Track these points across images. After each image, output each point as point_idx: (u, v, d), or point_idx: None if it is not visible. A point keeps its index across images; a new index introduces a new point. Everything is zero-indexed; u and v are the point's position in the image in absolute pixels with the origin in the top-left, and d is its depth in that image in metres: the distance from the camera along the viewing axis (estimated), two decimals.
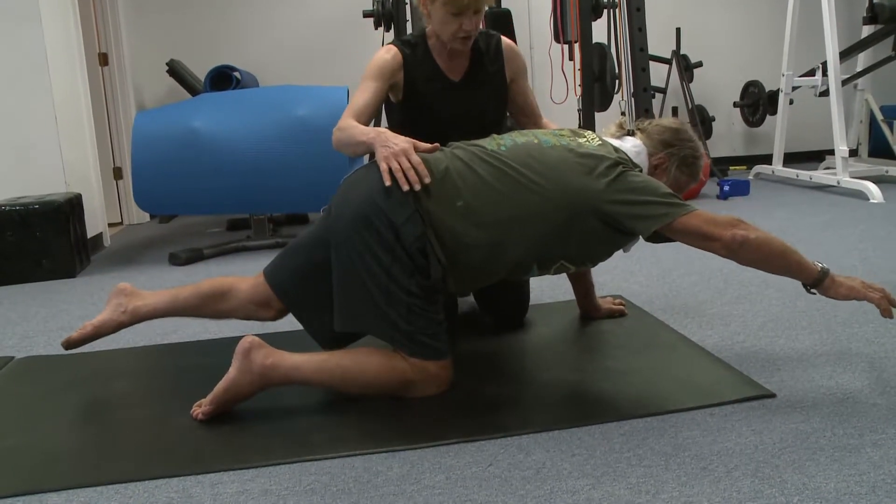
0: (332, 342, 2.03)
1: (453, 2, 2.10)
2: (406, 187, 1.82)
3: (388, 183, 1.84)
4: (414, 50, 2.27)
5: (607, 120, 2.73)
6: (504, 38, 2.37)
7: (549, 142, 1.98)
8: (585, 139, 2.01)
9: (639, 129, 2.15)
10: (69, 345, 2.11)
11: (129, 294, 2.14)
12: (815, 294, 1.89)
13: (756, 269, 1.89)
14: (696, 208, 1.85)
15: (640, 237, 1.92)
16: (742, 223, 1.82)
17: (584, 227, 1.88)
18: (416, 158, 1.84)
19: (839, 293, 1.85)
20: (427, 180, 1.84)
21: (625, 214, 1.86)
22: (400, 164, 1.83)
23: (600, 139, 2.04)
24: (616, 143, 2.06)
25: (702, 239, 1.83)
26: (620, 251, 2.03)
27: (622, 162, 1.93)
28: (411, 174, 1.82)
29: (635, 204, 1.85)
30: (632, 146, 2.07)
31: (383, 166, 1.85)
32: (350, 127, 2.03)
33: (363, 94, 2.17)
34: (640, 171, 1.99)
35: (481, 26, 2.27)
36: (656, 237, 1.88)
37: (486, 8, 2.21)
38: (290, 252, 2.09)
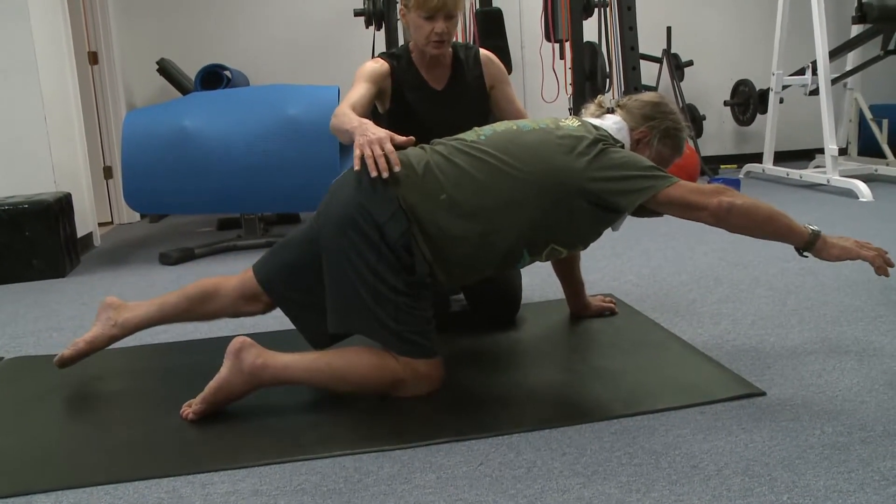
0: (320, 338, 2.03)
1: (424, 6, 2.22)
2: (374, 174, 1.82)
3: (357, 167, 1.85)
4: (399, 61, 2.38)
5: None
6: (482, 49, 2.49)
7: (528, 126, 1.99)
8: (565, 122, 2.01)
9: (619, 105, 2.14)
10: (63, 363, 2.08)
11: (118, 307, 2.12)
12: (807, 257, 1.89)
13: (745, 236, 1.88)
14: (679, 179, 1.85)
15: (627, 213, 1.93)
16: (728, 190, 1.82)
17: (569, 208, 1.88)
18: (389, 147, 1.85)
19: (832, 254, 1.86)
20: (397, 168, 1.84)
21: (608, 191, 1.86)
22: (372, 151, 1.85)
23: (579, 120, 2.04)
24: (596, 121, 2.05)
25: (688, 209, 1.83)
26: (610, 230, 2.03)
27: (602, 139, 1.93)
28: (381, 161, 1.83)
29: (618, 180, 1.85)
30: (612, 123, 2.06)
31: (357, 153, 1.86)
32: (343, 114, 2.07)
33: (357, 90, 2.23)
34: (622, 146, 1.99)
35: (472, 27, 2.32)
36: (642, 211, 1.88)
37: (459, 13, 2.30)
38: (278, 249, 2.09)
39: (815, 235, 1.86)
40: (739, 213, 1.81)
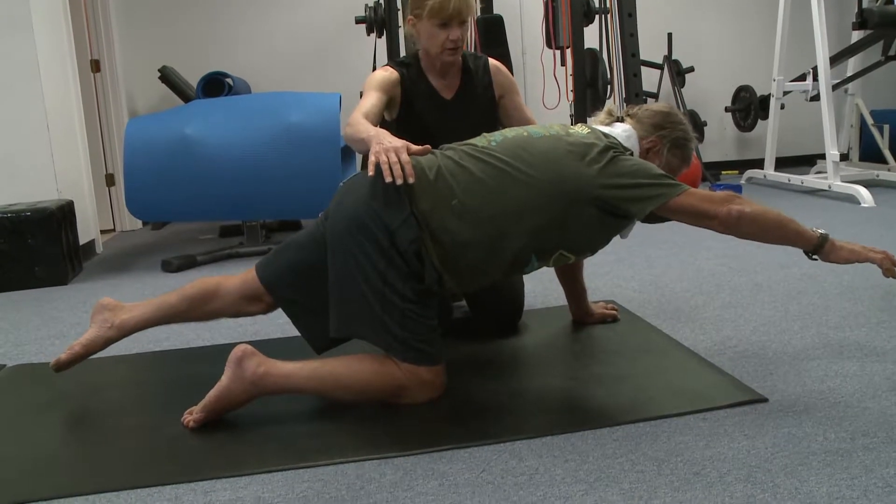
0: (321, 340, 2.03)
1: (438, 13, 2.22)
2: (388, 179, 1.79)
3: (371, 173, 1.82)
4: (408, 69, 2.37)
5: None
6: (491, 59, 2.49)
7: (539, 133, 1.99)
8: (574, 129, 2.02)
9: (628, 115, 2.15)
10: (59, 367, 2.04)
11: (114, 308, 2.09)
12: (816, 260, 1.91)
13: (754, 241, 1.90)
14: (689, 187, 1.86)
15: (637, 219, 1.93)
16: (737, 198, 1.83)
17: (580, 215, 1.88)
18: (405, 157, 1.83)
19: (840, 257, 1.88)
20: (411, 180, 1.81)
21: (619, 198, 1.86)
22: (388, 159, 1.82)
23: (589, 127, 2.04)
24: (606, 129, 2.06)
25: (698, 217, 1.84)
26: (618, 237, 2.03)
27: (613, 146, 1.94)
28: (396, 168, 1.80)
29: (629, 187, 1.86)
30: (622, 131, 2.06)
31: (372, 159, 1.84)
32: (357, 123, 2.05)
33: (369, 99, 2.22)
34: (631, 154, 2.00)
35: (473, 34, 2.32)
36: (651, 218, 1.89)
37: (470, 19, 2.29)
38: (283, 249, 2.08)
39: (824, 238, 1.88)
40: (749, 221, 1.82)
